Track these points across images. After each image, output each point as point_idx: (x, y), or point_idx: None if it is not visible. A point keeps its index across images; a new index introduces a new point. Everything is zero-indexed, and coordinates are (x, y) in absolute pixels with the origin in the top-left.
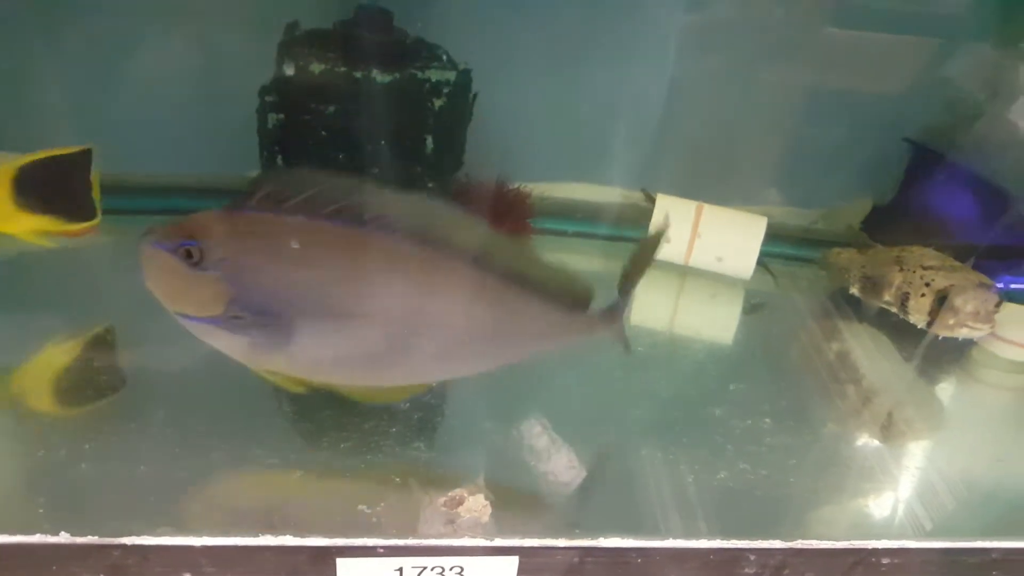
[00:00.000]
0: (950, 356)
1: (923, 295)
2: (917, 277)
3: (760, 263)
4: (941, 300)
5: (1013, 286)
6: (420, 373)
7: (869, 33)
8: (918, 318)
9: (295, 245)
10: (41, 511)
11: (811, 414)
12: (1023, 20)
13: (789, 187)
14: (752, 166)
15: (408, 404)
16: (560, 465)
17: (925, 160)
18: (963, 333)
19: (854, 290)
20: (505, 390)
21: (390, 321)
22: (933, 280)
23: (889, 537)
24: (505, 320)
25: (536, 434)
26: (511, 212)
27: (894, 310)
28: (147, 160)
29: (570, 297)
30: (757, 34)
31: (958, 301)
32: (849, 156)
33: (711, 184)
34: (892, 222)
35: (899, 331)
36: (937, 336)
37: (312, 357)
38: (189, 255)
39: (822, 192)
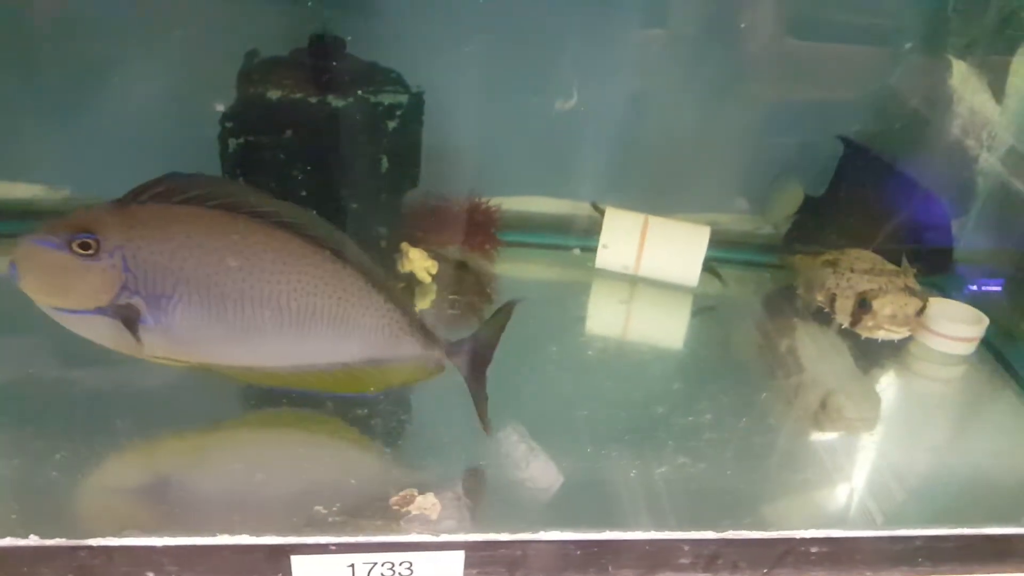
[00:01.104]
0: (888, 351)
1: (847, 297)
2: (844, 280)
3: (707, 268)
4: (862, 303)
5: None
6: (271, 355)
7: (811, 43)
8: (843, 318)
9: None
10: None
11: (751, 408)
12: (973, 29)
13: (737, 195)
14: (700, 175)
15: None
16: (537, 471)
17: (857, 157)
18: (881, 335)
19: (799, 291)
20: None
21: (255, 302)
22: (856, 283)
23: (816, 526)
24: (350, 316)
25: (513, 442)
26: (479, 226)
27: (827, 310)
28: (109, 185)
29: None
30: (704, 45)
31: (876, 304)
32: (788, 158)
33: (662, 195)
34: (822, 214)
35: (842, 330)
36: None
37: (194, 337)
38: (85, 246)
39: (765, 197)
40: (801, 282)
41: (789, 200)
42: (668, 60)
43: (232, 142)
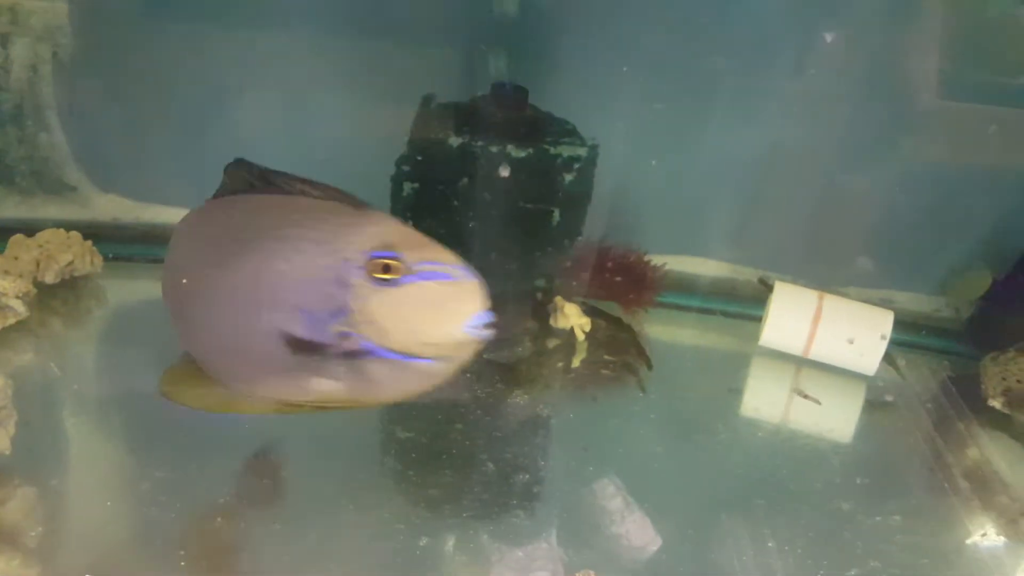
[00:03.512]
0: None
1: None
2: None
3: (885, 357)
4: None
5: None
6: None
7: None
8: None
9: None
10: None
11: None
12: None
13: (911, 268)
14: (873, 246)
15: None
16: (633, 527)
17: None
18: None
19: (994, 403)
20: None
21: None
22: None
23: None
24: None
25: (610, 495)
26: (641, 283)
27: None
28: None
29: None
30: (877, 102)
31: None
32: (970, 234)
33: (827, 265)
34: (1014, 299)
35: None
36: None
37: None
38: (389, 269)
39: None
40: (994, 394)
41: (975, 283)
42: (843, 122)
43: (407, 186)
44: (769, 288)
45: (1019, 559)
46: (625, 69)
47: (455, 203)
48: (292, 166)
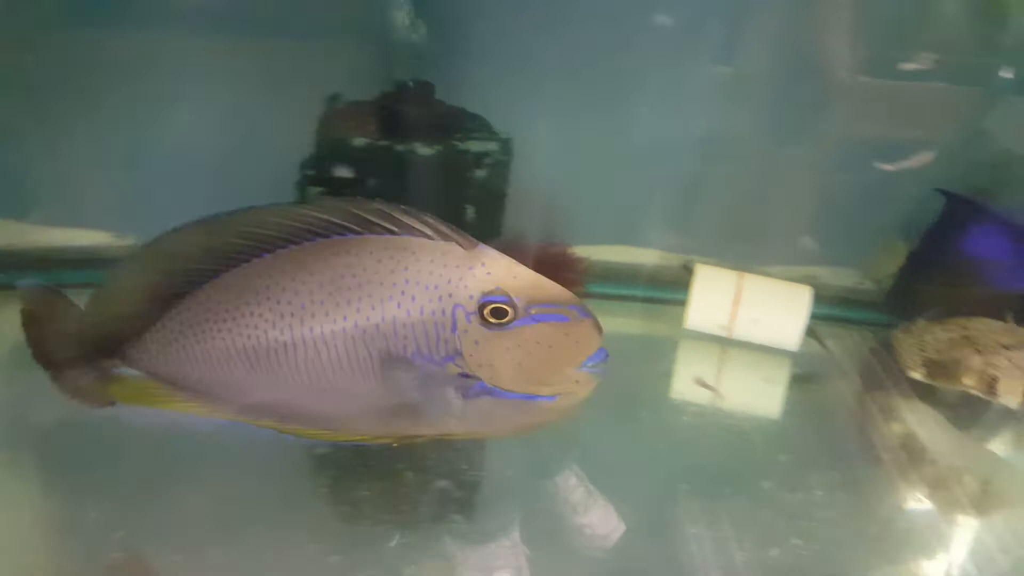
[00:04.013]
0: (1001, 420)
1: (1014, 378)
2: (1004, 360)
3: (808, 332)
4: None
5: None
6: None
7: (907, 83)
8: (1010, 399)
9: None
10: None
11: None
12: None
13: (831, 245)
14: (792, 225)
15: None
16: (597, 518)
17: (961, 209)
18: None
19: (915, 374)
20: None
21: None
22: (1023, 363)
23: None
24: None
25: (572, 486)
26: (565, 277)
27: (975, 392)
28: None
29: None
30: (793, 83)
31: None
32: (885, 209)
33: (750, 245)
34: (928, 270)
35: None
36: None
37: None
38: (502, 313)
39: (863, 249)
40: (914, 365)
41: (891, 256)
42: (759, 104)
43: (312, 190)
44: (691, 272)
45: (940, 528)
46: (542, 59)
47: None
48: (191, 172)
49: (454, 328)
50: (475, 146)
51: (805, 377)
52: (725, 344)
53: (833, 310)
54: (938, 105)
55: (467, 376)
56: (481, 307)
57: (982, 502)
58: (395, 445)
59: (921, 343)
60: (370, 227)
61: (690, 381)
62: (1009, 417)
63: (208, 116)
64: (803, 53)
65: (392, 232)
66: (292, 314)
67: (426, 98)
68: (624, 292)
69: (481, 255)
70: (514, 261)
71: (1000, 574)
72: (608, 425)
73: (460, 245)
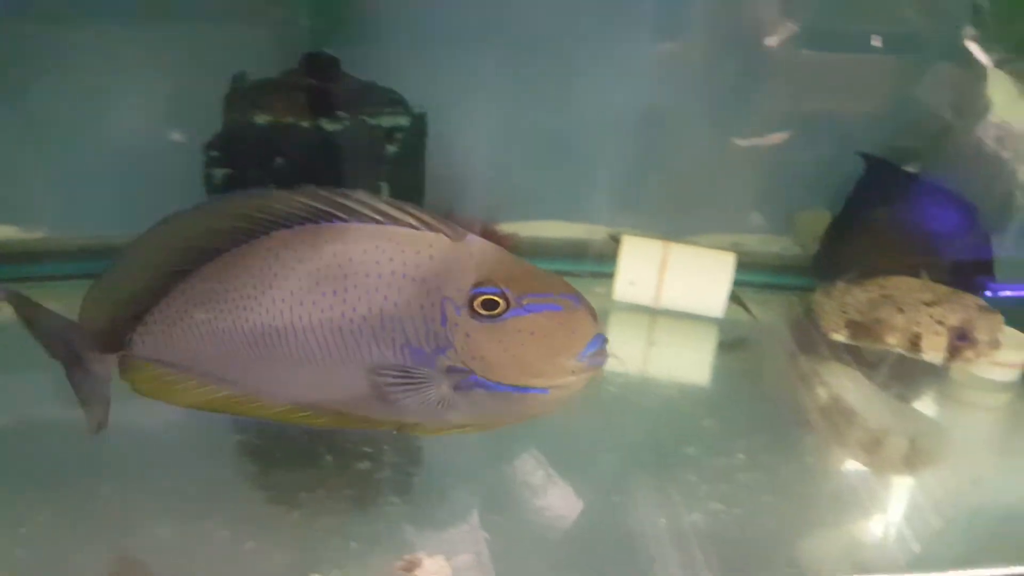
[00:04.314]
0: (929, 379)
1: (937, 334)
2: (925, 316)
3: (733, 298)
4: (961, 335)
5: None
6: None
7: (832, 54)
8: (934, 355)
9: None
10: None
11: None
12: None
13: (758, 213)
14: (719, 194)
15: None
16: (556, 499)
17: (882, 173)
18: (980, 362)
19: (838, 336)
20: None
21: None
22: (944, 318)
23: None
24: None
25: (530, 469)
26: None
27: (899, 351)
28: (87, 222)
29: None
30: (721, 55)
31: (979, 334)
32: (813, 176)
33: (682, 215)
34: (851, 234)
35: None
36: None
37: None
38: (493, 304)
39: (789, 215)
40: (837, 327)
41: (815, 221)
42: (686, 75)
43: (218, 172)
44: (617, 241)
45: (868, 489)
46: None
47: (271, 186)
48: (94, 161)
49: (443, 321)
50: (386, 121)
51: (732, 343)
52: (654, 314)
53: (761, 277)
54: (866, 75)
55: (459, 369)
56: (471, 299)
57: (910, 461)
58: (396, 432)
59: (842, 305)
60: (357, 215)
61: (619, 351)
62: (931, 373)
63: (112, 104)
64: (731, 25)
65: (377, 222)
66: (283, 300)
67: (332, 73)
68: (554, 267)
69: (469, 245)
70: (504, 251)
71: (934, 533)
72: None
73: (447, 236)
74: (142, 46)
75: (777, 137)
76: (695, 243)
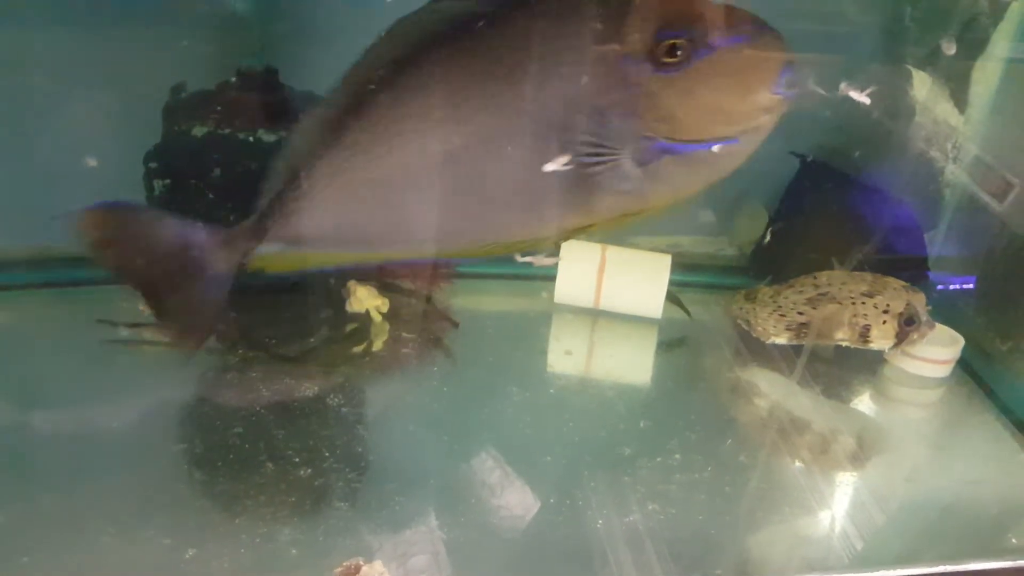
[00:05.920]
0: (863, 376)
1: (885, 322)
2: (870, 308)
3: (670, 298)
4: (908, 320)
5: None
6: None
7: None
8: (884, 344)
9: None
10: None
11: (725, 446)
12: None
13: (694, 214)
14: None
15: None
16: (513, 498)
17: (813, 171)
18: (921, 344)
19: (780, 339)
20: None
21: None
22: (888, 304)
23: (798, 570)
24: None
25: (488, 468)
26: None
27: (848, 344)
28: (27, 232)
29: None
30: None
31: (921, 316)
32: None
33: None
34: (785, 234)
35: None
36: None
37: None
38: (677, 50)
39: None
40: (777, 332)
41: (752, 222)
42: None
43: (157, 183)
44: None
45: (797, 486)
46: None
47: (210, 197)
48: (33, 172)
49: (628, 84)
50: None
51: (670, 344)
52: (595, 316)
53: (699, 277)
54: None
55: (644, 139)
56: (653, 48)
57: (848, 458)
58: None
59: (778, 308)
60: None
61: (561, 354)
62: (864, 371)
63: (51, 111)
64: None
65: None
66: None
67: (270, 84)
68: (497, 271)
69: None
70: None
71: (876, 529)
72: (475, 403)
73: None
74: (86, 53)
75: None
76: (633, 245)
